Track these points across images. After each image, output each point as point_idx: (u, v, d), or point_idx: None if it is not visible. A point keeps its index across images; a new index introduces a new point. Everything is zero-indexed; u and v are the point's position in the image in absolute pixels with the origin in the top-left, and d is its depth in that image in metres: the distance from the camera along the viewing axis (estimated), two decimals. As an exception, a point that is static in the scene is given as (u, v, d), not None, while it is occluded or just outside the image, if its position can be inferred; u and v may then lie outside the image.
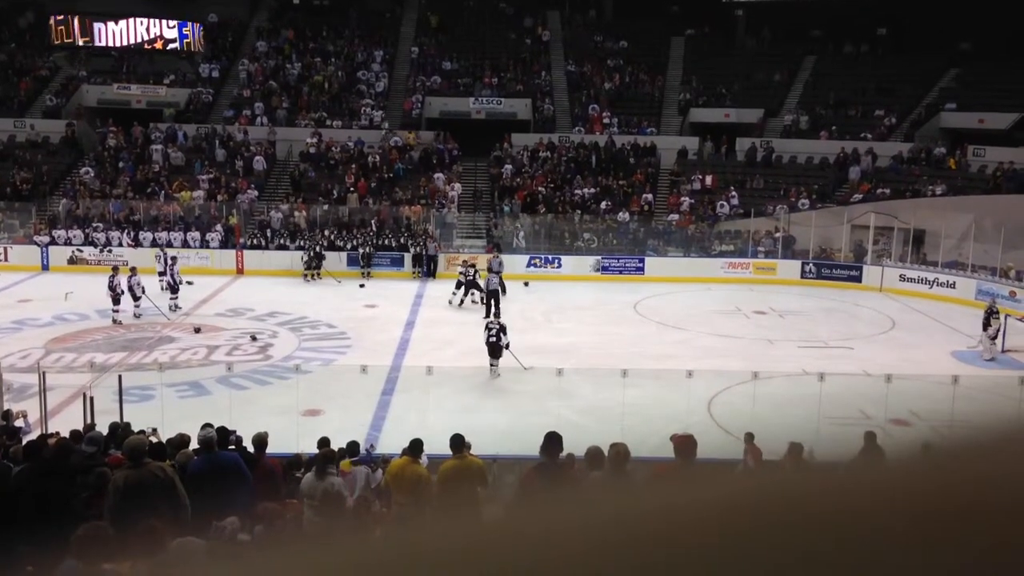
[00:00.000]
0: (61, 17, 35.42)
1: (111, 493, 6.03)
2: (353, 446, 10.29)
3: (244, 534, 5.87)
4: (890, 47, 38.41)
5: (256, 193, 30.92)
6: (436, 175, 31.74)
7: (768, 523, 0.48)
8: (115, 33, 35.69)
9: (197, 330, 20.11)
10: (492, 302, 21.54)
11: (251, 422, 10.05)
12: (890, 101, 35.43)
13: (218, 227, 28.76)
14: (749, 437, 10.53)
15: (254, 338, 19.55)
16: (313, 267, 26.80)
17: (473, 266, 23.93)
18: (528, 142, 33.68)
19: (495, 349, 16.62)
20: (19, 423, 11.64)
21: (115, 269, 21.40)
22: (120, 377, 13.19)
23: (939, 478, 0.49)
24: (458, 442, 8.02)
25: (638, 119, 35.52)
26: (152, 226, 28.88)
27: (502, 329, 16.75)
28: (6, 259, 27.86)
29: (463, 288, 23.28)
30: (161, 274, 23.44)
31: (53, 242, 28.22)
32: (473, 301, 23.04)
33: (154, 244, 27.64)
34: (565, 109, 36.31)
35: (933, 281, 25.93)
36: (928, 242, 27.46)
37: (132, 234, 28.41)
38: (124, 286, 20.75)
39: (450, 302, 23.40)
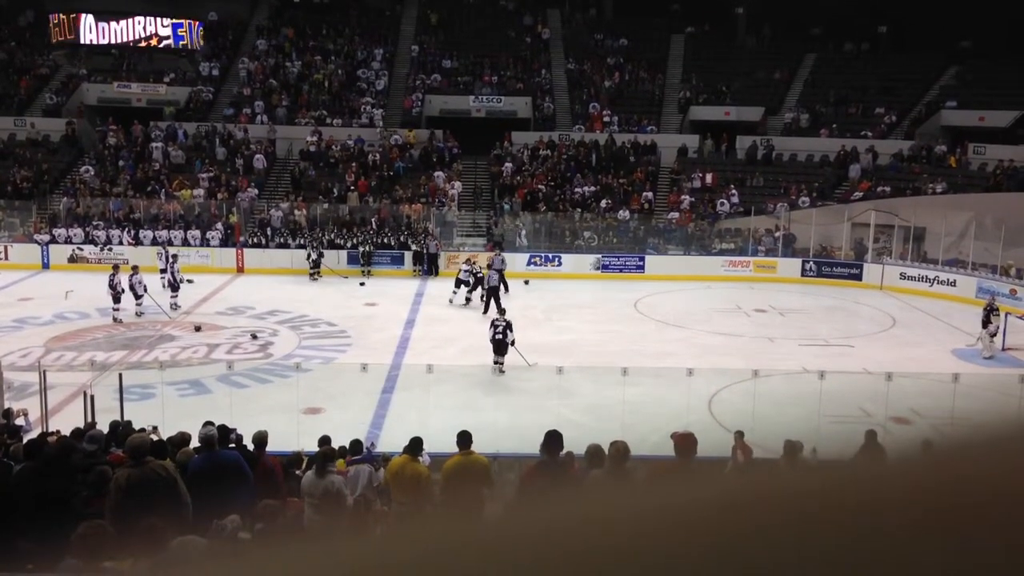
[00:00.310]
0: (59, 19, 35.37)
1: (113, 491, 6.03)
2: (356, 445, 10.28)
3: (245, 532, 5.87)
4: (890, 45, 38.42)
5: (256, 191, 30.92)
6: (436, 173, 31.74)
7: (769, 521, 0.48)
8: (115, 31, 35.67)
9: (198, 328, 20.12)
10: (491, 299, 21.58)
11: (251, 420, 10.04)
12: (890, 99, 35.43)
13: (218, 225, 28.77)
14: (739, 435, 10.55)
15: (254, 336, 19.56)
16: (318, 266, 26.80)
17: (476, 262, 24.01)
18: (528, 140, 33.68)
19: (501, 346, 16.61)
20: (20, 421, 11.66)
21: (116, 268, 21.40)
22: (121, 375, 13.20)
23: (940, 476, 0.49)
24: (465, 439, 8.02)
25: (638, 117, 35.52)
26: (152, 224, 28.89)
27: (508, 326, 16.74)
28: (6, 257, 27.86)
29: (465, 286, 23.28)
30: (163, 271, 23.46)
31: (53, 240, 28.22)
32: (468, 299, 23.08)
33: (154, 242, 27.65)
34: (565, 107, 36.31)
35: (933, 279, 25.93)
36: (928, 240, 27.45)
37: (132, 232, 28.42)
38: (125, 284, 20.75)
39: (451, 301, 23.38)
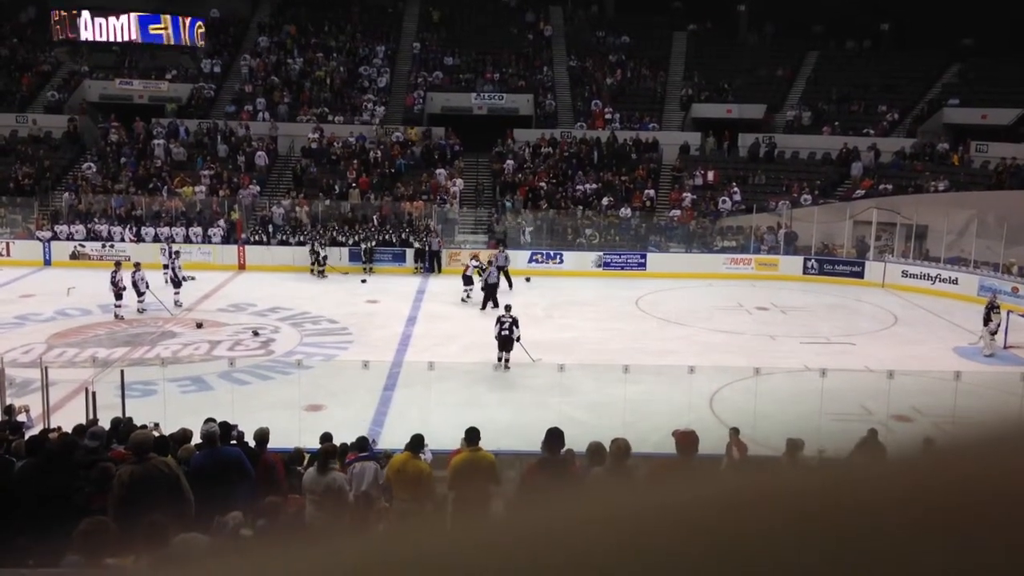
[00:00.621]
0: (62, 16, 35.35)
1: (116, 487, 6.04)
2: (362, 441, 10.27)
3: (246, 529, 5.88)
4: (892, 43, 38.39)
5: (258, 188, 30.93)
6: (438, 171, 31.73)
7: (769, 520, 0.47)
8: (117, 28, 35.65)
9: (199, 325, 20.13)
10: (490, 296, 21.52)
11: (253, 417, 10.06)
12: (893, 97, 35.40)
13: (220, 222, 28.78)
14: (734, 431, 10.55)
15: (256, 333, 19.56)
16: (321, 263, 26.78)
17: (478, 258, 24.00)
18: (530, 137, 33.66)
19: (507, 343, 16.59)
20: (21, 418, 11.67)
21: (118, 264, 21.45)
22: (122, 372, 13.21)
23: (941, 475, 0.49)
24: (474, 435, 8.04)
25: (640, 114, 35.48)
26: (154, 221, 28.90)
27: (514, 322, 16.73)
28: (8, 254, 27.88)
29: (470, 283, 23.24)
30: (165, 267, 23.48)
31: (55, 237, 28.24)
32: (464, 299, 23.04)
33: (156, 239, 27.70)
34: (567, 104, 36.29)
35: (935, 277, 25.90)
36: (930, 238, 27.43)
37: (134, 229, 28.43)
38: (127, 281, 20.78)
39: (463, 299, 23.24)
